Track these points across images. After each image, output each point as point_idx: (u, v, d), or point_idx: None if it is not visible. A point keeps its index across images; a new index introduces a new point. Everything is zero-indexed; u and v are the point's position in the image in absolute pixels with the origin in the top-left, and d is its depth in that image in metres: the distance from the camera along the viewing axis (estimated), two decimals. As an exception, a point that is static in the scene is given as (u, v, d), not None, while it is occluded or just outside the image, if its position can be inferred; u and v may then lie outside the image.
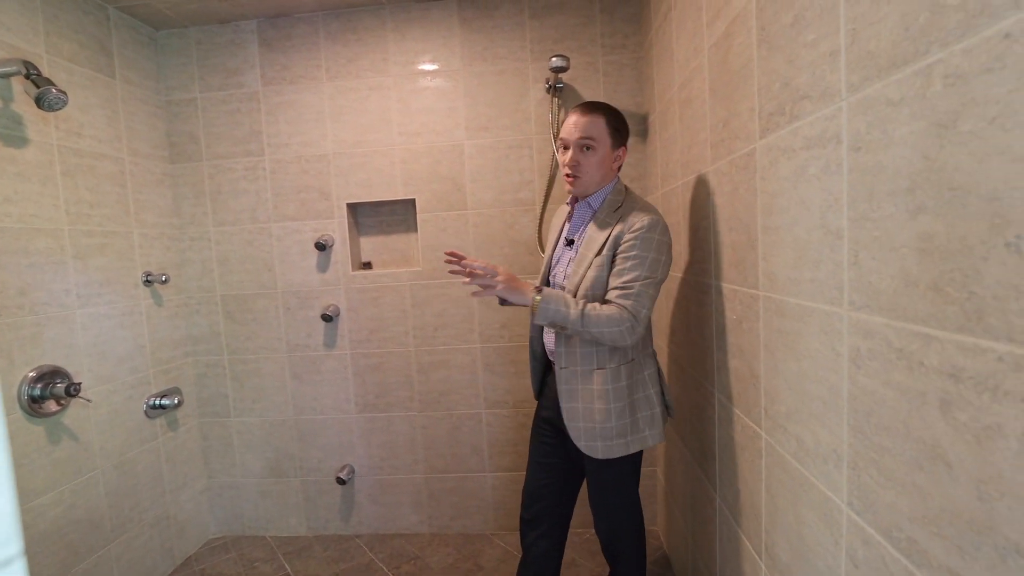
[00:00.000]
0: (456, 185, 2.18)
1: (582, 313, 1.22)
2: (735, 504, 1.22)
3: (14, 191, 1.58)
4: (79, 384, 1.67)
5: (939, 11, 0.53)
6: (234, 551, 2.25)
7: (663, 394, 1.38)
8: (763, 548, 1.06)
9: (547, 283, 1.44)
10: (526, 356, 2.18)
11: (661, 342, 1.94)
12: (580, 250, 1.33)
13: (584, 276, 1.29)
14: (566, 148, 1.33)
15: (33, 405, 1.59)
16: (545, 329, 1.44)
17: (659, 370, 1.39)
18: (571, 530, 1.78)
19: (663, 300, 1.88)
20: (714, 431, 1.35)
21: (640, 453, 1.37)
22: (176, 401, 2.10)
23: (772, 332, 0.98)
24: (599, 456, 1.30)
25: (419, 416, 2.27)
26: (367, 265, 2.34)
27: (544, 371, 1.52)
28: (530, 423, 1.77)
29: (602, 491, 1.41)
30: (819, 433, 0.82)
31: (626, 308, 1.21)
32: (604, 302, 1.25)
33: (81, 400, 1.75)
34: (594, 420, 1.29)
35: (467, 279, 1.26)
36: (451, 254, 1.27)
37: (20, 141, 1.61)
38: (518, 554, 1.98)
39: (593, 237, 1.31)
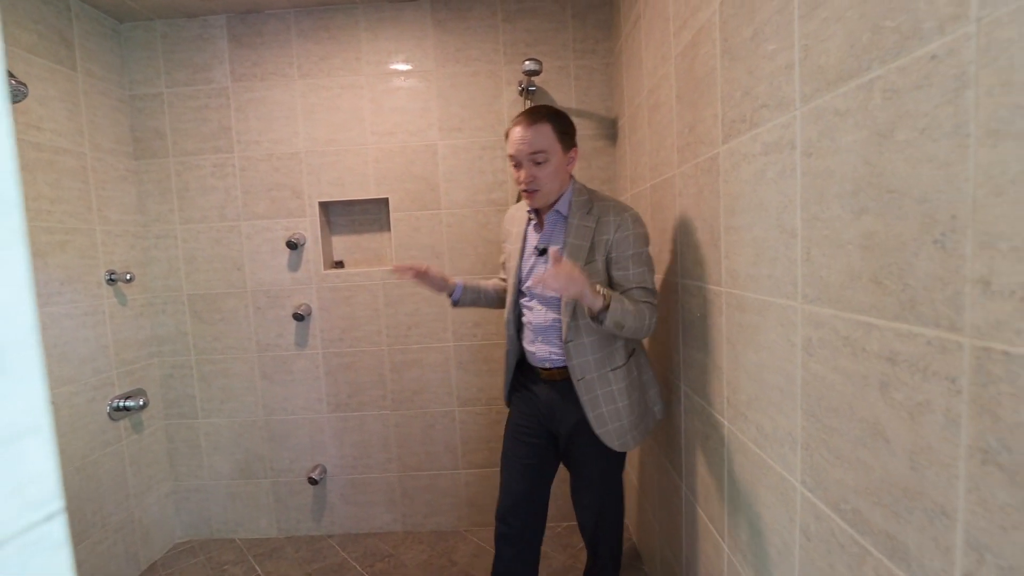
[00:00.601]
0: (430, 185, 2.20)
1: (636, 307, 1.21)
2: (699, 491, 1.28)
3: (-31, 185, 1.52)
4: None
5: (879, 32, 0.59)
6: (202, 555, 2.20)
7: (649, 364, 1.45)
8: (726, 531, 1.12)
9: (519, 294, 1.42)
10: (498, 354, 2.22)
11: (630, 339, 2.00)
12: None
13: None
14: (517, 165, 1.30)
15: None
16: (533, 340, 1.39)
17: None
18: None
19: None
20: (681, 423, 1.41)
21: None
22: (141, 403, 2.05)
23: (734, 326, 1.04)
24: (630, 448, 1.34)
25: (392, 415, 2.28)
26: (339, 264, 2.33)
27: (515, 377, 1.51)
28: (503, 420, 1.80)
29: (600, 479, 1.41)
30: (776, 419, 0.88)
31: (650, 303, 1.26)
32: None
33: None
34: (622, 418, 1.32)
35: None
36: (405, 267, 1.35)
37: (-24, 134, 1.55)
38: (491, 549, 2.01)
39: (577, 245, 1.29)
